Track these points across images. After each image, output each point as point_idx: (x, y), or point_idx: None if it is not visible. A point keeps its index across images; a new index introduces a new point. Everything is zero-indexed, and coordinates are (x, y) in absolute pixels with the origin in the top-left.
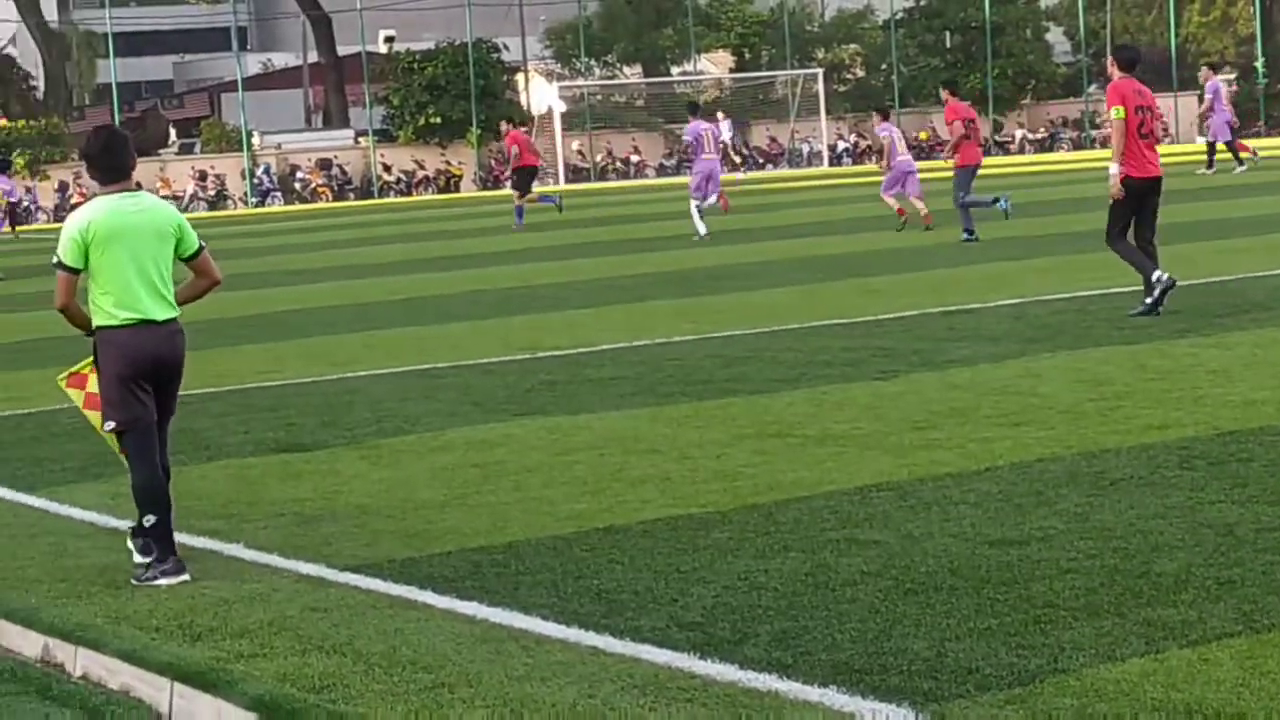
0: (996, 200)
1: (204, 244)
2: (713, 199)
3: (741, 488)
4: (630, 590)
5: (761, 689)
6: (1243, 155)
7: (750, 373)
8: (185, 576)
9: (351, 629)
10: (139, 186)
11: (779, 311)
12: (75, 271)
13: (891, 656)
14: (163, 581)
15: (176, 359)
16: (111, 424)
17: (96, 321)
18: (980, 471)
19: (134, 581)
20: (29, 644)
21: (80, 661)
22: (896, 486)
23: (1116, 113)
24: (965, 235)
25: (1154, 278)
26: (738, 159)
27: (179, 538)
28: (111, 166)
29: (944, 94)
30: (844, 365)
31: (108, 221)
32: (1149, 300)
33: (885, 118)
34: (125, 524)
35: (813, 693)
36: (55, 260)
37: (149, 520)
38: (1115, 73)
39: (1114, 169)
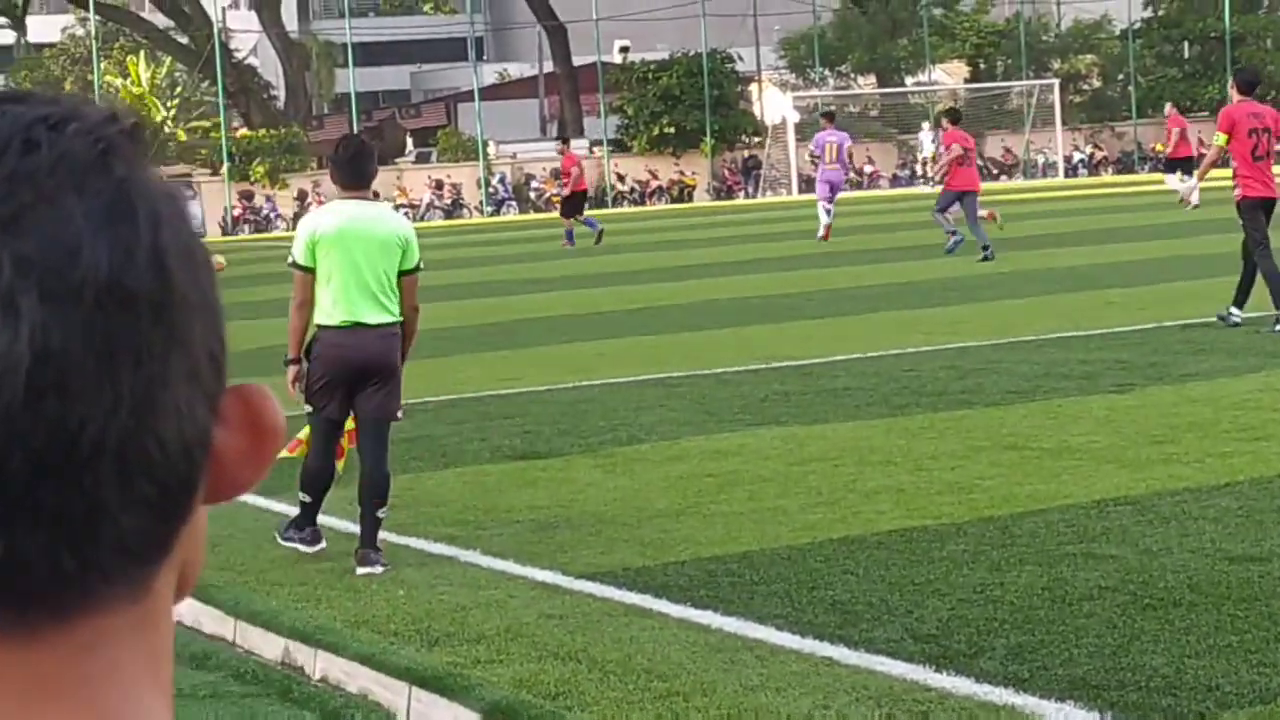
0: (955, 235)
1: (421, 267)
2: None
3: (977, 500)
4: (865, 601)
5: (997, 703)
6: None
7: (985, 384)
8: (323, 545)
9: (586, 636)
10: (376, 197)
11: (1014, 323)
12: (308, 270)
13: (1129, 672)
14: (301, 547)
15: (383, 361)
16: (310, 407)
17: (316, 318)
18: (1219, 487)
19: (275, 535)
20: (270, 646)
21: (319, 664)
22: (1134, 501)
23: (1219, 139)
24: (982, 253)
25: None
26: (926, 170)
27: (416, 542)
28: (356, 172)
29: (945, 122)
30: (1080, 378)
31: (336, 225)
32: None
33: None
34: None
35: (1049, 707)
36: (290, 260)
37: (304, 498)
38: (1235, 95)
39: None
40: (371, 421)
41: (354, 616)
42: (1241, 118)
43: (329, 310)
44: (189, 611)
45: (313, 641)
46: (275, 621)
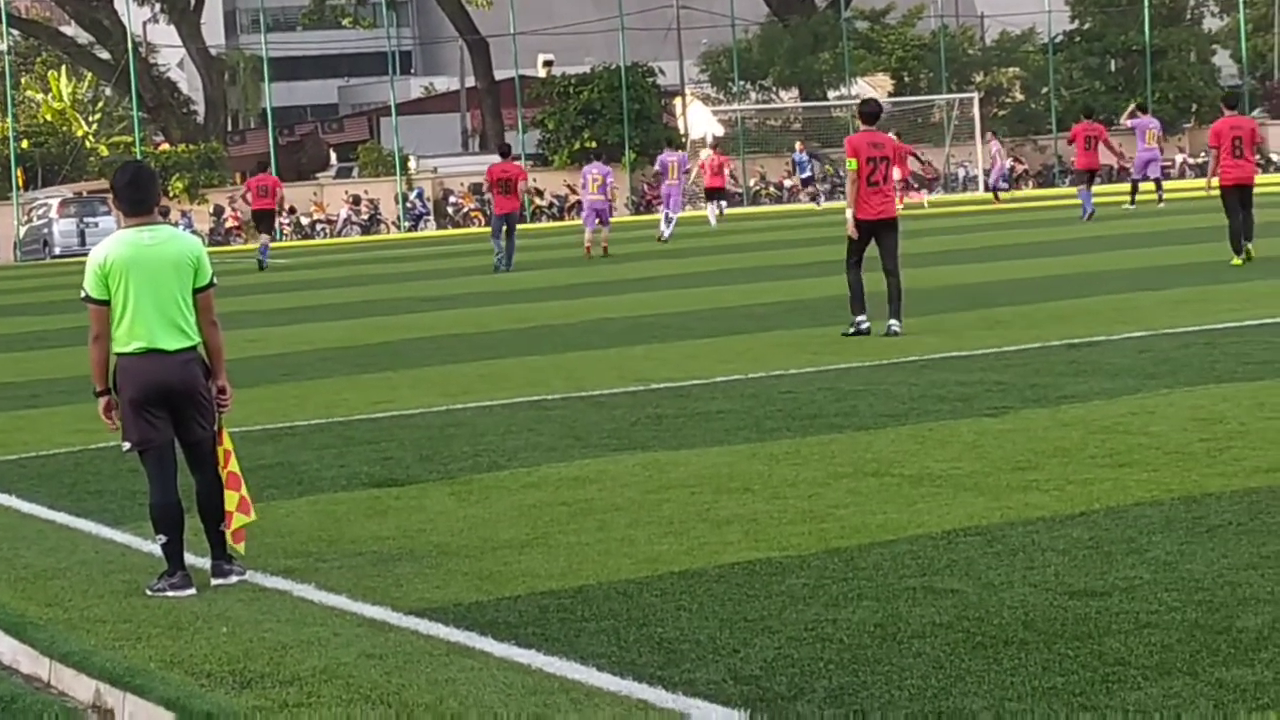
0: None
1: (214, 283)
2: (672, 215)
3: (828, 530)
4: (692, 640)
5: None
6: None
7: (860, 407)
8: (191, 591)
9: (403, 677)
10: (166, 215)
11: (900, 343)
12: (101, 303)
13: (947, 717)
14: (170, 594)
15: (187, 387)
16: (127, 444)
17: (113, 349)
18: (1074, 516)
19: (147, 591)
20: (82, 688)
21: (127, 708)
22: (985, 531)
23: (850, 165)
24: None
25: (858, 319)
26: (806, 191)
27: (252, 576)
28: (135, 199)
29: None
30: (956, 400)
31: (123, 254)
32: (850, 331)
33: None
34: (204, 562)
35: None
36: (83, 294)
37: (160, 540)
38: (861, 125)
39: (849, 213)
40: (192, 446)
41: (170, 656)
42: (862, 146)
43: (125, 339)
44: (7, 650)
45: (122, 684)
46: (88, 662)
